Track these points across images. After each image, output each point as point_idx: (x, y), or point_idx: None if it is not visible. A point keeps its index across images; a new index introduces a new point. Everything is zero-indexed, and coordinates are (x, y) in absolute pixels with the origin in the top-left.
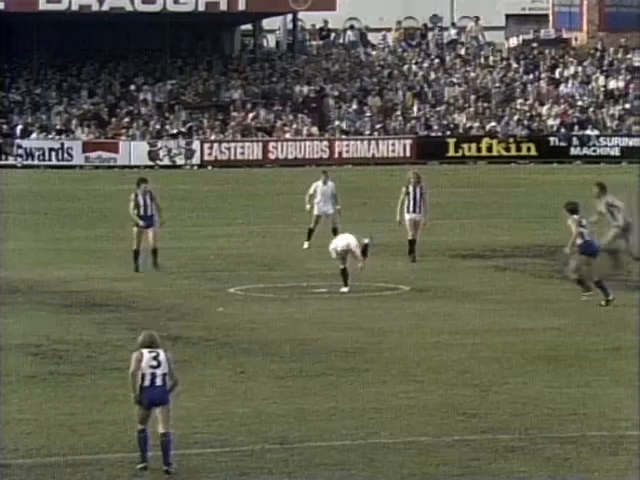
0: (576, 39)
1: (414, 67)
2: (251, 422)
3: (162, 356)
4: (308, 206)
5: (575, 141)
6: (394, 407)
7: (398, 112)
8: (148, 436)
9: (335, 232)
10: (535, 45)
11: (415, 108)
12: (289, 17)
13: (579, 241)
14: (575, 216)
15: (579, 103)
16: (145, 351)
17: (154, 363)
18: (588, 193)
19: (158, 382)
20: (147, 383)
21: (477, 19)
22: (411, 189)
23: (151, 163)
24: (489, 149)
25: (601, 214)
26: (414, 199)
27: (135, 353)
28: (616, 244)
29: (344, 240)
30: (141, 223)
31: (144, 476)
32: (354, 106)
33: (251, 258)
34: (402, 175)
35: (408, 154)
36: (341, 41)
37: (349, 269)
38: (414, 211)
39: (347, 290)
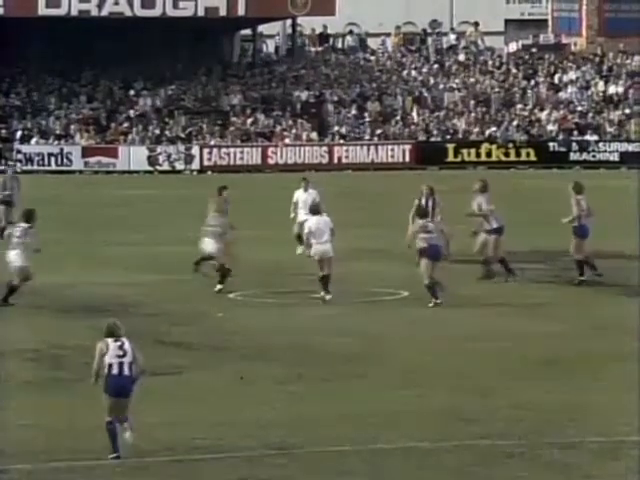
0: (575, 44)
1: (413, 72)
2: (251, 427)
3: (127, 345)
4: (292, 214)
5: (575, 146)
6: (394, 412)
7: (397, 117)
8: (118, 427)
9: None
10: (534, 50)
11: (414, 113)
12: (288, 22)
13: (576, 223)
14: (579, 196)
15: (578, 108)
16: (110, 340)
17: (120, 352)
18: (588, 198)
19: (126, 371)
20: (115, 372)
21: (477, 24)
22: (424, 201)
23: (150, 168)
24: (488, 154)
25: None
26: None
27: (100, 343)
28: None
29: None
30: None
31: None
32: (353, 111)
33: (251, 263)
34: (402, 180)
35: (407, 159)
36: (340, 46)
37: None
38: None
39: (330, 297)
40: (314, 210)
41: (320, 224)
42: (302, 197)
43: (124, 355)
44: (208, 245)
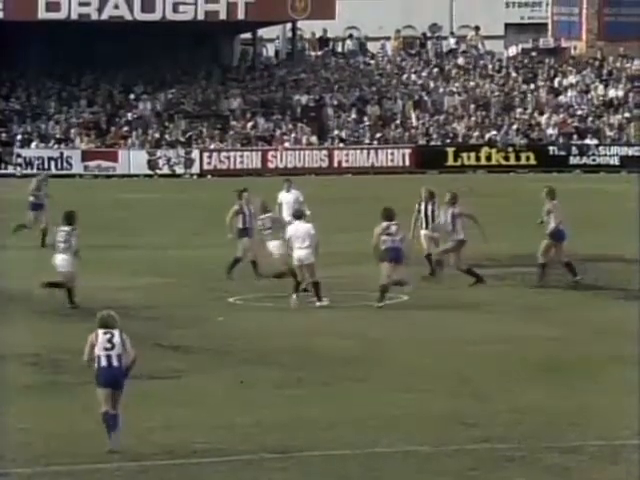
0: (575, 48)
1: (413, 76)
2: (250, 431)
3: (117, 338)
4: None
5: (574, 150)
6: (393, 416)
7: (397, 121)
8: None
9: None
10: (534, 54)
11: (414, 117)
12: (288, 26)
13: (552, 225)
14: (555, 201)
15: (578, 112)
16: (100, 332)
17: (108, 345)
18: (587, 202)
19: (114, 363)
20: (104, 364)
21: (477, 28)
22: (423, 206)
23: (150, 172)
24: (488, 158)
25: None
26: (426, 216)
27: (91, 334)
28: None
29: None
30: (237, 234)
31: None
32: (353, 115)
33: (250, 267)
34: (401, 184)
35: (407, 163)
36: (340, 50)
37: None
38: (426, 227)
39: (325, 303)
40: (297, 215)
41: (299, 230)
42: (286, 198)
43: (112, 348)
44: (275, 249)
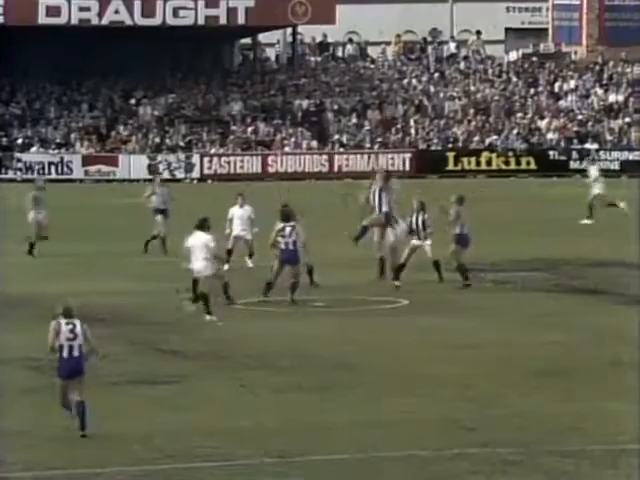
0: (575, 53)
1: (414, 81)
2: (251, 435)
3: (78, 328)
4: (227, 230)
5: (575, 155)
6: (393, 421)
7: (398, 126)
8: (87, 405)
9: (251, 256)
10: (535, 59)
11: (414, 122)
12: (289, 31)
13: (457, 230)
14: (461, 207)
15: (579, 117)
16: (63, 322)
17: (70, 335)
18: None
19: (75, 353)
20: (65, 354)
21: (478, 33)
22: (414, 217)
23: (151, 177)
24: (488, 163)
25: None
26: (417, 226)
27: (53, 322)
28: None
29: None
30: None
31: None
32: (353, 120)
33: (250, 272)
34: (401, 189)
35: (407, 168)
36: (340, 55)
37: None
38: (418, 237)
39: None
40: (199, 225)
41: (200, 240)
42: (237, 213)
43: (74, 338)
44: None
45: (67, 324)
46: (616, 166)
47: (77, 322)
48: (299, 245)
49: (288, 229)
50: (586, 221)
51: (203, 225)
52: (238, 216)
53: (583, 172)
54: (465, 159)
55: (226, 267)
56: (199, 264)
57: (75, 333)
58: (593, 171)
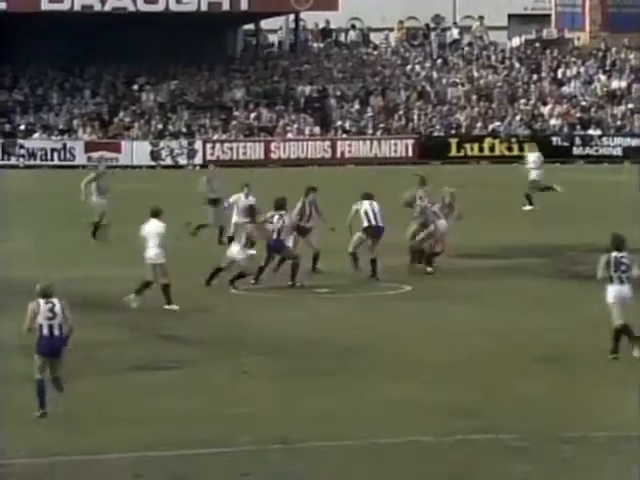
0: (578, 39)
1: (416, 67)
2: (253, 422)
3: (57, 307)
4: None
5: (577, 141)
6: (396, 407)
7: (400, 112)
8: (46, 385)
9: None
10: (537, 45)
11: (417, 108)
12: (291, 17)
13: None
14: (426, 187)
15: (582, 103)
16: (42, 302)
17: (50, 315)
18: (590, 193)
19: (56, 332)
20: (46, 333)
21: (482, 19)
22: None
23: (153, 163)
24: (491, 149)
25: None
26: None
27: (32, 303)
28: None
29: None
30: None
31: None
32: (356, 106)
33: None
34: (404, 175)
35: (410, 154)
36: (343, 41)
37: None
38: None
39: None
40: (154, 212)
41: (153, 228)
42: (242, 203)
43: (54, 317)
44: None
45: (46, 303)
46: (619, 152)
47: (56, 301)
48: (284, 234)
49: (276, 217)
50: (528, 207)
51: (157, 213)
52: (241, 205)
53: (587, 158)
54: (468, 145)
55: (253, 252)
56: (152, 251)
57: (54, 312)
58: (532, 157)
